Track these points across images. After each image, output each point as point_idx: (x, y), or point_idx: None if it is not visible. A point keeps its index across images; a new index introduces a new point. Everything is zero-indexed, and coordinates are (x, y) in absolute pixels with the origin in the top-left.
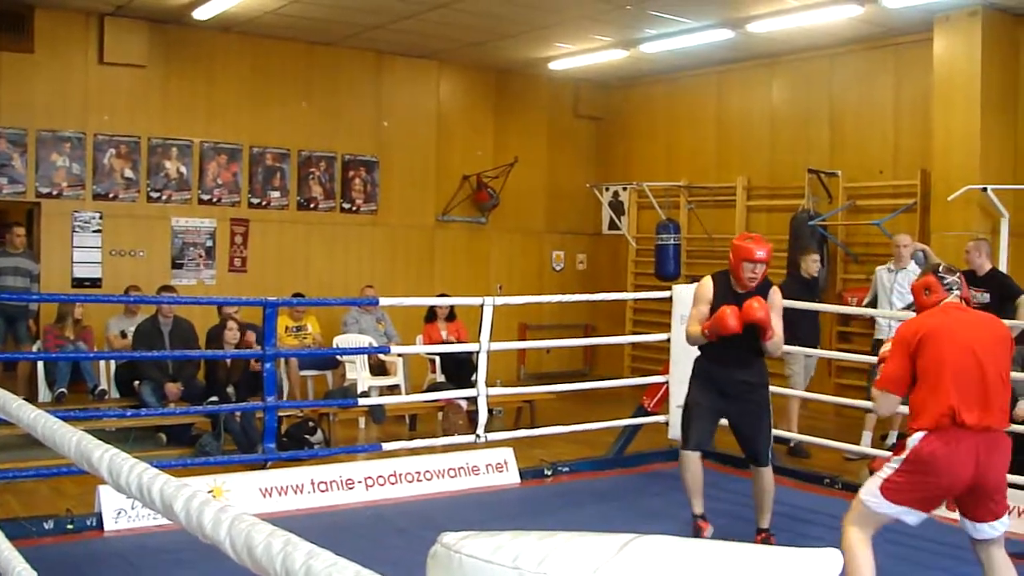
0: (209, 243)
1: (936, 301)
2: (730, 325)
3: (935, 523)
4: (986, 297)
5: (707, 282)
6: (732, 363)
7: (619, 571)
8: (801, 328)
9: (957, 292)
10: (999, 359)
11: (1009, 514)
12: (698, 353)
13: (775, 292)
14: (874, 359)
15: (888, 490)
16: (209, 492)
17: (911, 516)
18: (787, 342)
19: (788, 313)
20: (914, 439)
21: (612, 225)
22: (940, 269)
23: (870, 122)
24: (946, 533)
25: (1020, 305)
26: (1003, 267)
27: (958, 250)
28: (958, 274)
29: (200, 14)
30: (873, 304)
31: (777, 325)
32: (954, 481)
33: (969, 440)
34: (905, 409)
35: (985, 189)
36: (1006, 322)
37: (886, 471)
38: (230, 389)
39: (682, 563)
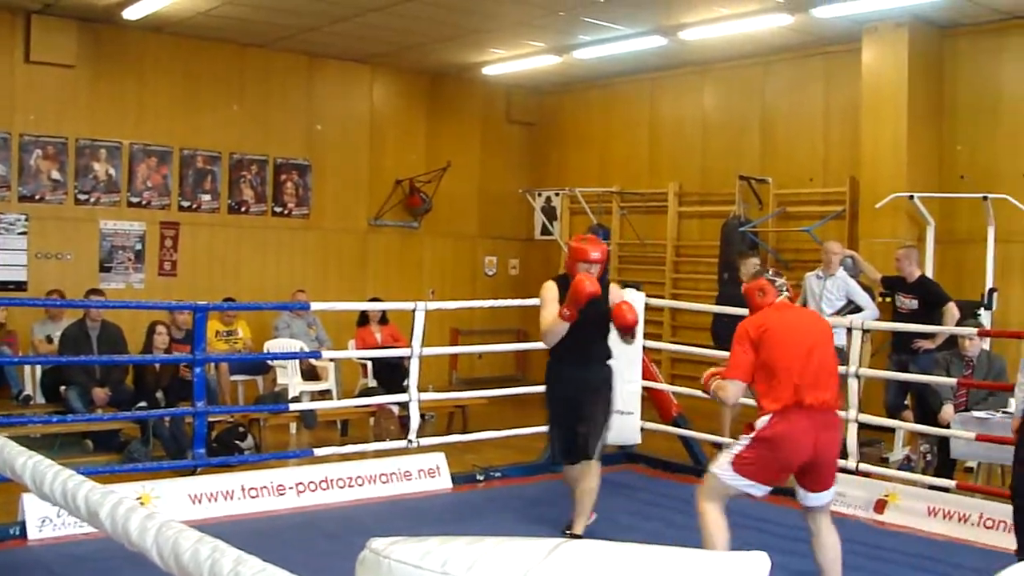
0: (138, 246)
1: (770, 302)
2: (587, 289)
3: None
4: (914, 303)
5: (550, 283)
6: (580, 360)
7: (548, 575)
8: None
9: (786, 293)
10: (826, 350)
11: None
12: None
13: (613, 287)
14: None
15: (738, 465)
16: (137, 499)
17: (756, 489)
18: (724, 347)
19: (725, 318)
20: (762, 421)
21: (544, 230)
22: (771, 272)
23: (800, 130)
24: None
25: (947, 312)
26: (929, 273)
27: (886, 257)
28: (784, 276)
29: (130, 14)
30: None
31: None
32: (797, 456)
33: (808, 420)
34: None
35: (912, 197)
36: (937, 328)
37: (737, 447)
38: (159, 394)
39: (611, 567)
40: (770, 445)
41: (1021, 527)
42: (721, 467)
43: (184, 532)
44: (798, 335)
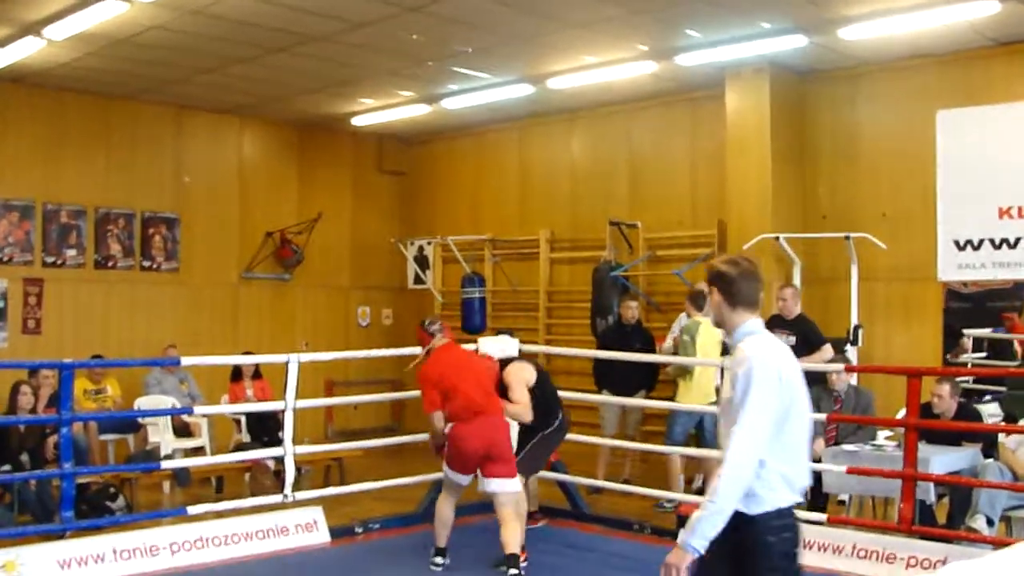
0: (0, 304)
1: (435, 346)
2: None
3: None
4: (792, 340)
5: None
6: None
7: None
8: (612, 376)
9: (440, 338)
10: (479, 372)
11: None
12: None
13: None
14: (676, 405)
15: (447, 461)
16: (1, 567)
17: (462, 478)
18: (601, 391)
19: (601, 362)
20: (449, 427)
21: (417, 280)
22: (426, 322)
23: (668, 174)
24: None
25: (822, 352)
26: None
27: None
28: (439, 321)
29: None
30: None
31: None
32: (474, 448)
33: (476, 422)
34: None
35: (778, 238)
36: (806, 365)
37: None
38: (24, 456)
39: None
40: (457, 443)
41: None
42: (444, 464)
43: None
44: (458, 370)
